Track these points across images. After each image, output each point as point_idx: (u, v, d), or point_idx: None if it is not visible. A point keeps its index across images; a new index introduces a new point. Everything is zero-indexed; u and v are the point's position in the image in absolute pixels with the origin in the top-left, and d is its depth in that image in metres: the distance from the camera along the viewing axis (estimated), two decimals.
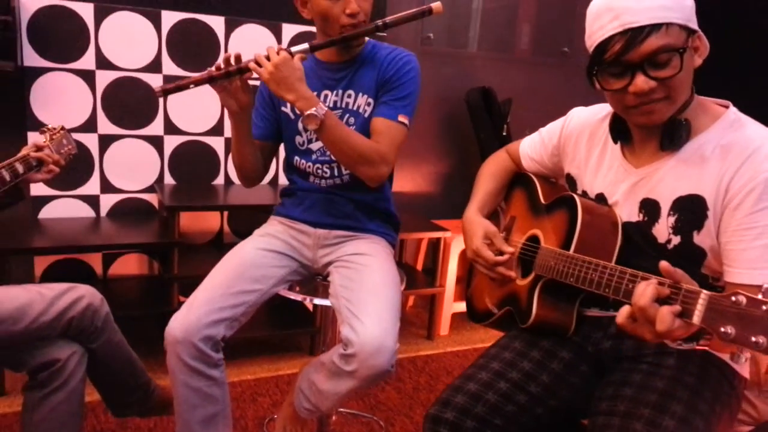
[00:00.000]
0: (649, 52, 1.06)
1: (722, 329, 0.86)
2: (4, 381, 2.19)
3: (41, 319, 1.37)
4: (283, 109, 1.66)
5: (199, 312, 1.44)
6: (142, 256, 2.63)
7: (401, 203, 3.13)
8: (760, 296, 0.83)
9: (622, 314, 0.99)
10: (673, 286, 0.95)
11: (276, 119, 1.69)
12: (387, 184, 1.73)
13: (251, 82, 1.53)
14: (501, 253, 1.39)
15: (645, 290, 0.96)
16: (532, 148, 1.50)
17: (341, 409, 2.18)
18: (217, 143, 2.68)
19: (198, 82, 1.47)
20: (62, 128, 1.68)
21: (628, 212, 1.24)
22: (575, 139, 1.37)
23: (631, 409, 1.11)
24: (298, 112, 1.47)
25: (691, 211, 1.14)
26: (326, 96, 1.62)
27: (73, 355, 1.42)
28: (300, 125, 1.63)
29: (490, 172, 1.57)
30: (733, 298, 0.85)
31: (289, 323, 2.62)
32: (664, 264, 0.96)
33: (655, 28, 1.05)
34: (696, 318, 0.90)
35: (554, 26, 3.37)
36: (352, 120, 1.61)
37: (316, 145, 1.64)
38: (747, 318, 0.84)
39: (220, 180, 2.73)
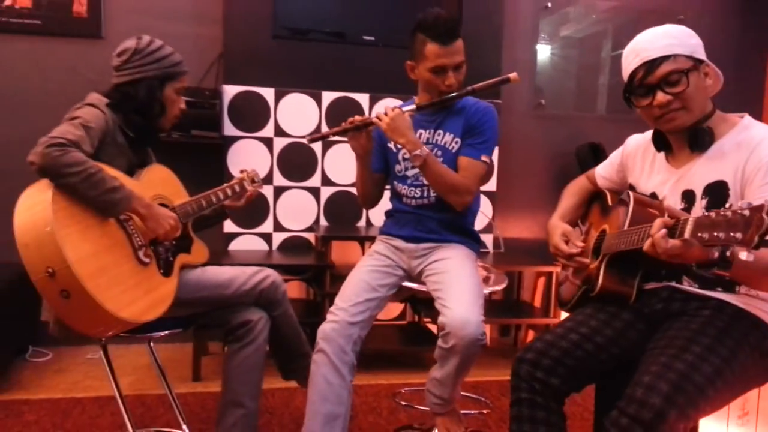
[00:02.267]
0: (662, 75, 1.46)
1: (699, 235, 1.16)
2: (201, 370, 2.85)
3: (242, 288, 1.96)
4: (388, 145, 2.10)
5: (339, 317, 1.89)
6: (302, 284, 3.25)
7: (516, 248, 3.54)
8: (747, 210, 1.09)
9: (647, 243, 1.30)
10: (676, 219, 1.26)
11: (384, 155, 2.14)
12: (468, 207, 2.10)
13: None
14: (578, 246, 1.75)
15: (655, 222, 1.29)
16: (604, 169, 1.86)
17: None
18: None
19: (337, 133, 1.99)
20: (254, 171, 2.30)
21: (673, 202, 1.56)
22: (633, 156, 1.74)
23: (663, 348, 1.41)
24: (406, 153, 1.95)
25: (718, 192, 1.47)
26: (420, 134, 2.03)
27: (261, 318, 1.98)
28: (400, 156, 2.07)
29: (571, 191, 1.93)
30: (724, 212, 1.13)
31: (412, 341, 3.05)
32: (667, 204, 1.32)
33: (665, 58, 1.46)
34: (687, 233, 1.20)
35: None
36: (440, 153, 2.01)
37: (410, 172, 2.06)
38: (730, 221, 1.11)
39: (362, 222, 3.33)
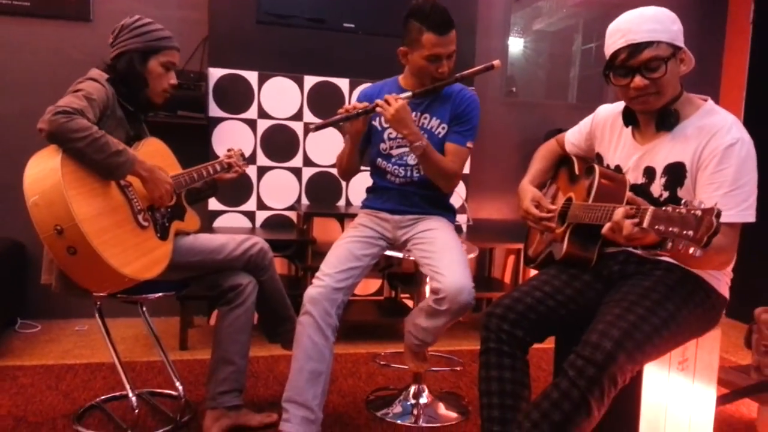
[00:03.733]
0: (644, 61, 1.55)
1: (656, 227, 1.28)
2: (187, 339, 2.98)
3: (233, 254, 2.09)
4: (373, 123, 2.19)
5: (325, 283, 2.01)
6: (284, 261, 3.39)
7: (488, 228, 3.73)
8: (699, 211, 1.21)
9: (606, 227, 1.44)
10: (636, 207, 1.39)
11: (368, 131, 2.20)
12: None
13: None
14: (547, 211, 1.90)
15: (618, 210, 1.42)
16: (573, 135, 1.98)
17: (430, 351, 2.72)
18: None
19: (341, 121, 2.03)
20: (240, 150, 2.43)
21: (634, 177, 1.71)
22: (602, 126, 1.86)
23: (617, 302, 1.57)
24: (408, 143, 2.04)
25: (676, 173, 1.62)
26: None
27: (250, 283, 2.12)
28: (385, 135, 2.19)
29: (542, 155, 2.05)
30: (679, 209, 1.25)
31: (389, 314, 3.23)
32: (629, 194, 1.49)
33: (649, 44, 1.54)
34: (645, 224, 1.31)
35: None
36: (426, 136, 2.08)
37: (395, 151, 2.18)
38: (684, 219, 1.22)
39: (342, 201, 3.48)
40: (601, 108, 1.92)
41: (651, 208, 1.31)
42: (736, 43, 4.12)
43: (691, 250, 1.23)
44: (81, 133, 1.68)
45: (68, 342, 3.02)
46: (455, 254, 2.04)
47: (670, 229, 1.25)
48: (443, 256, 2.03)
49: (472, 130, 2.17)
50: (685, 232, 1.22)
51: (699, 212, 1.21)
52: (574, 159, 1.95)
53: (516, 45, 3.90)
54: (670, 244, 1.31)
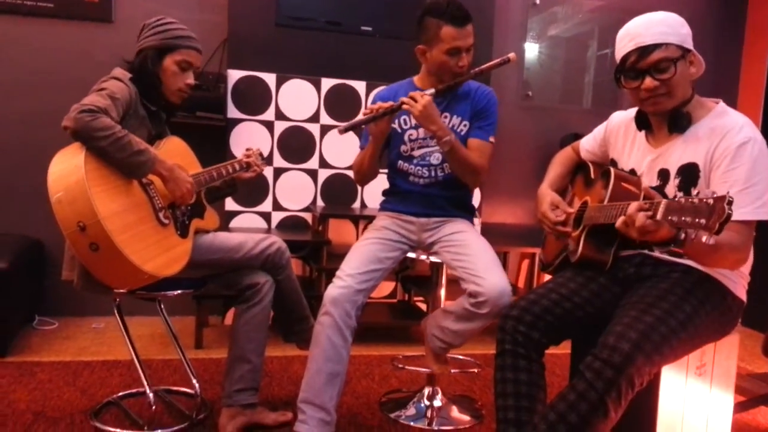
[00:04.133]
0: (653, 62, 1.58)
1: (669, 218, 1.30)
2: (203, 338, 3.00)
3: (251, 253, 2.11)
4: (393, 125, 2.17)
5: (347, 283, 2.00)
6: (298, 262, 3.41)
7: (502, 232, 3.73)
8: (711, 200, 1.23)
9: (619, 221, 1.45)
10: (650, 202, 1.42)
11: (388, 135, 2.17)
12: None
13: None
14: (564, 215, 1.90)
15: (632, 204, 1.45)
16: (588, 142, 2.01)
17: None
18: None
19: (369, 121, 2.01)
20: (259, 150, 2.46)
21: (649, 179, 1.72)
22: (615, 132, 1.88)
23: (634, 304, 1.57)
24: (437, 139, 2.01)
25: (689, 174, 1.63)
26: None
27: (267, 282, 2.13)
28: (406, 137, 2.19)
29: (559, 161, 2.08)
30: (691, 199, 1.28)
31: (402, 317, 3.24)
32: (645, 187, 1.49)
33: (658, 46, 1.58)
34: (659, 215, 1.34)
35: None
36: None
37: (417, 152, 2.18)
38: (697, 208, 1.24)
39: (357, 204, 3.50)
40: (615, 115, 1.94)
41: (664, 201, 1.33)
42: (754, 48, 4.09)
43: (704, 238, 1.24)
44: (104, 132, 1.71)
45: (85, 339, 3.06)
46: (490, 257, 2.05)
47: (684, 218, 1.26)
48: (479, 259, 2.02)
49: (493, 125, 2.19)
50: (697, 220, 1.23)
51: (711, 201, 1.23)
52: (590, 165, 1.97)
53: (531, 50, 3.91)
54: (683, 235, 1.33)
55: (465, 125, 2.18)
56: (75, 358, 2.77)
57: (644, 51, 1.59)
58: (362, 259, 2.08)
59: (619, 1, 3.89)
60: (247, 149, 2.41)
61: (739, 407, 2.05)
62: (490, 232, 3.67)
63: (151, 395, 2.06)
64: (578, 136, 3.72)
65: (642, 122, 1.77)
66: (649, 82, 1.60)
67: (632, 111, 1.84)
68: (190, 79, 2.05)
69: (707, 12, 4.03)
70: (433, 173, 2.21)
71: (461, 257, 2.06)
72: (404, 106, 2.00)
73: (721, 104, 1.68)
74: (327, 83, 3.39)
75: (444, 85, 2.10)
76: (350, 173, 3.45)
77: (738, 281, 1.68)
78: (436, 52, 2.08)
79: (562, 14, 3.97)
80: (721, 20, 4.09)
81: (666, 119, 1.68)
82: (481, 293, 1.92)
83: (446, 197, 2.22)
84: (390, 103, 2.04)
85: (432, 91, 2.06)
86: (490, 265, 1.99)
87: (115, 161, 1.76)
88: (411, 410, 2.38)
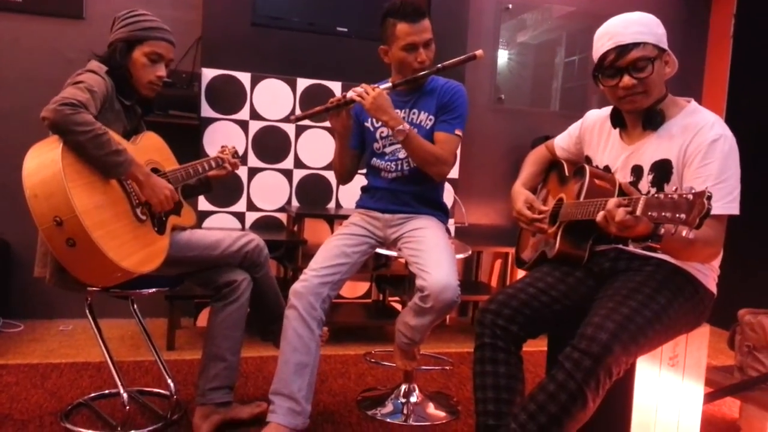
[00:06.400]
0: (631, 61, 1.62)
1: (649, 213, 1.33)
2: (175, 339, 2.95)
3: (229, 250, 2.10)
4: (366, 124, 2.25)
5: (312, 276, 2.05)
6: (272, 262, 3.38)
7: (476, 232, 3.77)
8: (690, 195, 1.26)
9: (599, 215, 1.48)
10: (629, 198, 1.44)
11: (361, 133, 2.29)
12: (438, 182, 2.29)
13: None
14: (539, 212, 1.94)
15: (611, 200, 1.47)
16: (563, 140, 2.04)
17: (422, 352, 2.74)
18: (332, 176, 3.46)
19: (321, 111, 2.08)
20: (234, 147, 2.45)
21: (623, 176, 1.76)
22: (590, 130, 1.93)
23: (610, 296, 1.61)
24: (389, 129, 2.07)
25: (662, 170, 1.68)
26: (397, 113, 2.12)
27: (245, 279, 2.12)
28: (377, 134, 2.24)
29: (532, 160, 2.11)
30: (671, 195, 1.30)
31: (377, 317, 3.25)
32: (623, 182, 1.53)
33: (635, 45, 1.61)
34: (639, 211, 1.36)
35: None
36: (416, 131, 2.12)
37: (388, 149, 2.23)
38: (676, 204, 1.27)
39: (332, 204, 3.50)
40: (590, 113, 1.98)
41: (644, 197, 1.36)
42: (717, 48, 4.25)
43: (684, 233, 1.28)
44: (84, 127, 1.68)
45: (53, 341, 2.98)
46: (442, 253, 2.06)
47: (663, 213, 1.30)
48: (430, 255, 2.05)
49: (460, 118, 2.20)
50: (677, 215, 1.27)
51: (690, 196, 1.26)
52: (564, 163, 2.00)
53: (503, 56, 3.97)
54: (662, 230, 1.37)
55: (431, 119, 2.21)
56: (43, 361, 2.70)
57: (623, 50, 1.63)
58: (327, 254, 2.12)
59: (586, 9, 3.98)
60: (222, 147, 2.40)
61: (708, 398, 2.11)
62: (462, 232, 3.70)
63: (125, 395, 2.02)
64: (548, 138, 3.81)
65: (617, 120, 1.81)
66: (627, 80, 1.64)
67: (607, 109, 1.88)
68: (162, 71, 2.02)
69: (674, 13, 4.16)
70: (399, 167, 2.24)
71: (416, 252, 2.10)
72: (356, 98, 2.05)
73: (693, 103, 1.74)
74: (303, 83, 3.38)
75: (402, 80, 2.14)
76: (326, 173, 3.47)
77: (709, 274, 1.74)
78: (395, 50, 2.13)
79: (531, 21, 4.05)
80: (687, 21, 4.22)
81: (640, 117, 1.73)
82: (425, 287, 1.96)
83: (412, 193, 2.24)
84: (342, 95, 2.10)
85: (388, 84, 2.12)
86: (439, 260, 2.02)
87: (91, 157, 1.72)
88: (388, 407, 2.39)
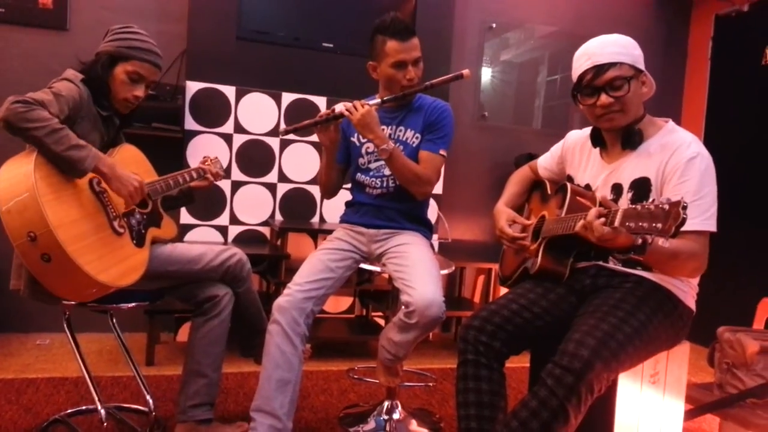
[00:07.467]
0: (608, 80, 1.67)
1: (627, 224, 1.36)
2: (155, 355, 2.91)
3: (210, 264, 2.07)
4: (351, 139, 2.27)
5: (296, 290, 2.03)
6: (255, 276, 3.36)
7: (459, 248, 3.78)
8: (667, 205, 1.29)
9: (579, 224, 1.50)
10: (608, 210, 1.48)
11: (347, 147, 2.29)
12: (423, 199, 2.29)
13: None
14: (522, 230, 1.96)
15: (591, 211, 1.49)
16: (545, 160, 2.08)
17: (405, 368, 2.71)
18: (316, 190, 3.45)
19: (310, 125, 2.08)
20: (216, 158, 2.43)
21: (603, 194, 1.78)
22: (572, 150, 1.96)
23: (591, 313, 1.63)
24: (374, 147, 2.09)
25: (641, 187, 1.71)
26: (383, 130, 2.12)
27: (227, 294, 2.09)
28: (363, 150, 2.24)
29: (515, 180, 2.15)
30: (647, 205, 1.33)
31: (360, 332, 3.23)
32: (602, 196, 1.55)
33: (612, 65, 1.67)
34: (617, 223, 1.39)
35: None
36: (402, 147, 2.16)
37: (373, 165, 2.23)
38: (653, 214, 1.29)
39: (315, 218, 3.49)
40: (571, 133, 2.02)
41: (621, 208, 1.39)
42: (696, 71, 4.34)
43: (660, 242, 1.32)
44: (38, 123, 1.63)
45: (29, 356, 2.92)
46: (427, 268, 2.06)
47: (640, 224, 1.33)
48: (415, 270, 2.04)
49: (445, 137, 2.21)
50: (654, 225, 1.29)
51: (666, 206, 1.29)
52: (547, 182, 2.04)
53: (486, 73, 4.01)
54: (647, 240, 1.39)
55: (417, 138, 2.22)
56: (18, 376, 2.64)
57: (600, 69, 1.67)
58: (311, 269, 2.11)
59: (568, 30, 4.04)
60: (204, 157, 2.38)
61: (688, 415, 2.11)
62: (446, 247, 3.71)
63: (102, 411, 1.98)
64: (531, 156, 3.85)
65: (597, 139, 1.85)
66: (604, 98, 1.68)
67: (588, 129, 1.92)
68: (139, 92, 1.98)
69: (654, 36, 4.24)
70: (385, 183, 2.24)
71: (401, 268, 2.09)
72: (345, 113, 2.06)
73: (671, 122, 1.78)
74: (287, 97, 3.39)
75: (390, 97, 2.15)
76: (310, 187, 3.46)
77: (688, 291, 1.75)
78: (384, 67, 2.14)
79: (514, 40, 4.10)
80: (666, 44, 4.31)
81: (619, 136, 1.76)
82: (411, 303, 1.95)
83: (397, 209, 2.25)
84: (331, 109, 2.10)
85: (377, 101, 2.12)
86: (424, 276, 2.01)
87: (52, 155, 1.67)
88: (370, 424, 2.37)
